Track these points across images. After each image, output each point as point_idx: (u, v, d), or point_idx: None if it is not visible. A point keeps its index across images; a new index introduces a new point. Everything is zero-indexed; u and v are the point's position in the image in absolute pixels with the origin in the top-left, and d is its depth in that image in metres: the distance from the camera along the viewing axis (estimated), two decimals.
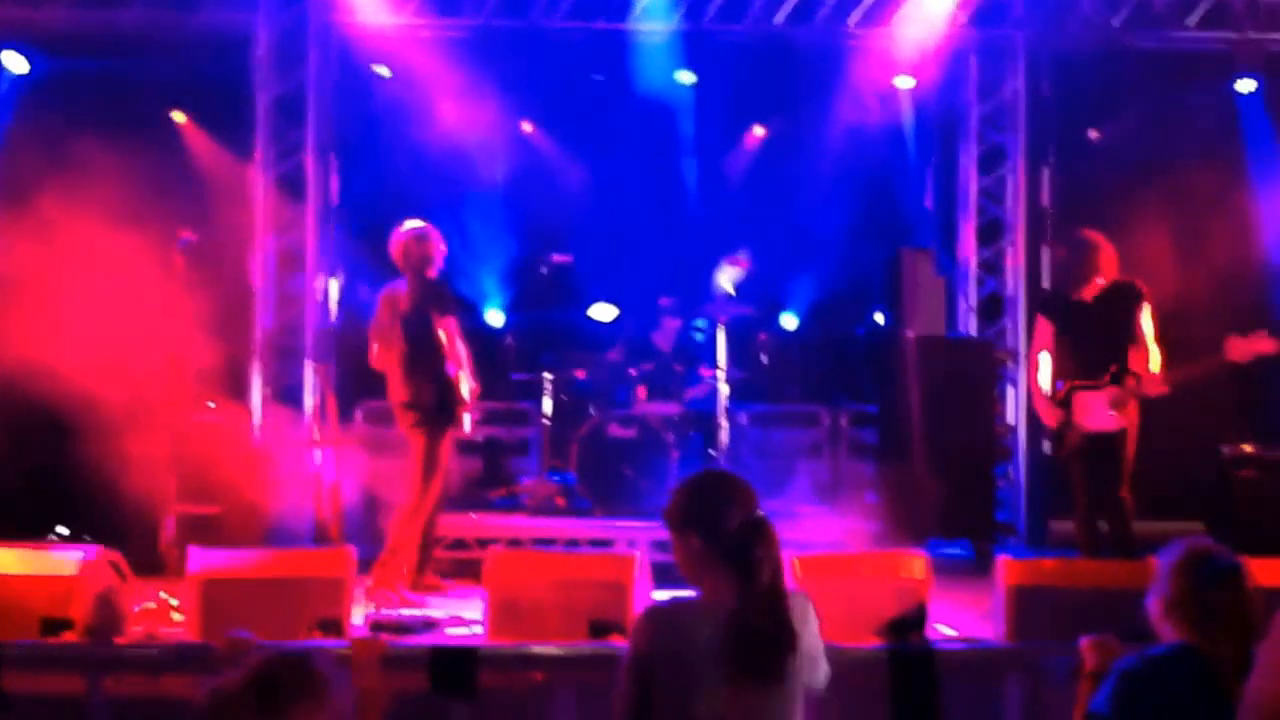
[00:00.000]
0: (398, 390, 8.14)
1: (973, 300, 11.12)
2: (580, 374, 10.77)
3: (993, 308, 11.11)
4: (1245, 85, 10.74)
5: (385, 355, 8.18)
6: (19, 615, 6.22)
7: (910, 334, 10.14)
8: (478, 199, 12.22)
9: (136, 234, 8.65)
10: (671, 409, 10.43)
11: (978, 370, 10.13)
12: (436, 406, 8.06)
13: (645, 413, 10.22)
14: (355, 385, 10.32)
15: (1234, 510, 9.37)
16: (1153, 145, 10.73)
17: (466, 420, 8.29)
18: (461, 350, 8.15)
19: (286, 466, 9.64)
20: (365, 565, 7.28)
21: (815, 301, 13.05)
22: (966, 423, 9.86)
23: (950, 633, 6.82)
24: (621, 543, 9.15)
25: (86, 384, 8.07)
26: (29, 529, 7.78)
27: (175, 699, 5.85)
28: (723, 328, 10.40)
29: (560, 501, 10.29)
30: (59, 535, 8.45)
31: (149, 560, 8.12)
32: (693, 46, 11.04)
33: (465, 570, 8.43)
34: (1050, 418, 7.98)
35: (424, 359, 8.07)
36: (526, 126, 12.82)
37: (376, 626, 6.69)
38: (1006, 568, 6.55)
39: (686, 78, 12.01)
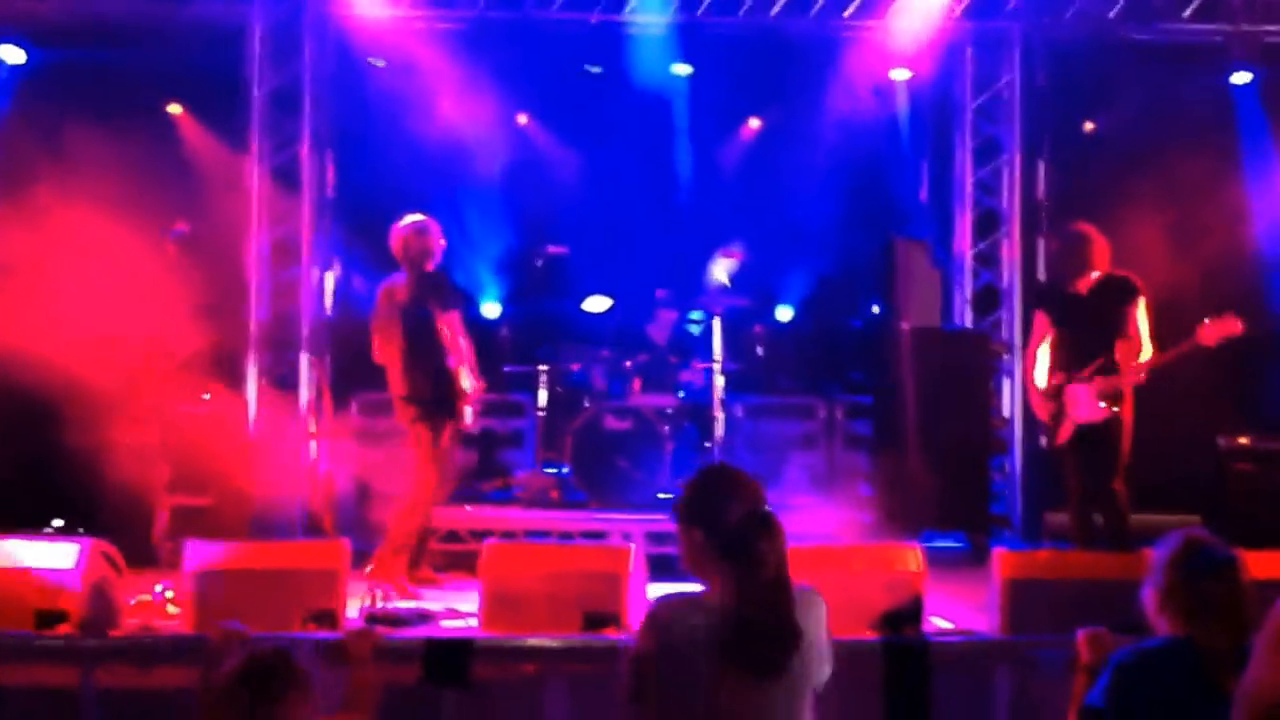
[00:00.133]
0: (397, 383, 8.14)
1: (968, 292, 11.11)
2: (575, 366, 10.77)
3: (988, 300, 11.10)
4: (1240, 77, 10.73)
5: (385, 348, 8.18)
6: (13, 608, 6.21)
7: (905, 326, 10.14)
8: (473, 191, 12.20)
9: (131, 225, 8.64)
10: (666, 401, 10.43)
11: (973, 362, 10.12)
12: (435, 400, 8.06)
13: (640, 405, 10.22)
14: (350, 377, 10.31)
15: (1230, 503, 9.38)
16: (1148, 137, 10.72)
17: (468, 413, 8.28)
18: (464, 345, 8.14)
19: (281, 458, 9.63)
20: (359, 557, 7.27)
21: (810, 293, 13.06)
22: (962, 415, 9.86)
23: (945, 625, 6.82)
24: (616, 535, 9.14)
25: (80, 374, 8.06)
26: (23, 521, 7.76)
27: (170, 691, 5.85)
28: (718, 319, 10.40)
29: (554, 494, 10.29)
30: (54, 528, 8.44)
31: (143, 552, 8.10)
32: (688, 38, 11.01)
33: (460, 563, 8.42)
34: (1043, 410, 7.99)
35: (423, 352, 8.07)
36: (522, 119, 12.82)
37: (371, 619, 6.68)
38: (1002, 560, 6.54)
39: (682, 70, 12.00)
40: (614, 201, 12.42)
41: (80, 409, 8.23)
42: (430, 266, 8.18)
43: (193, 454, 9.11)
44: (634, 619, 6.17)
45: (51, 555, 6.38)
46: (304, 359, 10.40)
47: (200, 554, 6.46)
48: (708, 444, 10.32)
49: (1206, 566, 3.67)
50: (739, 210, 12.36)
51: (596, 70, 11.92)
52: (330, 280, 10.85)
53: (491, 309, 12.87)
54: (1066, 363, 7.83)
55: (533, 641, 6.18)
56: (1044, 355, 8.01)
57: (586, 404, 10.40)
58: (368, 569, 7.75)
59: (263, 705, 3.53)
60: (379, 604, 6.89)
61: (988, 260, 11.13)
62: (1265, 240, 10.95)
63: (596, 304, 11.52)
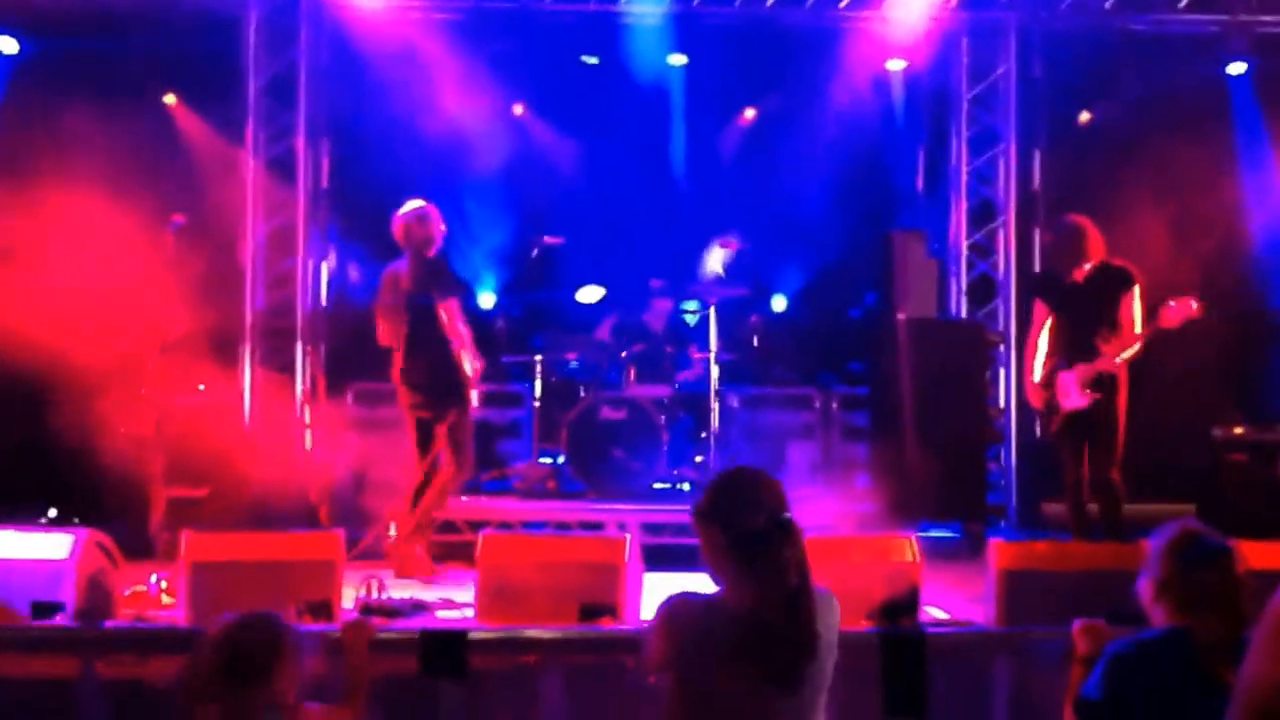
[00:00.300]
0: (399, 369, 8.19)
1: (964, 283, 11.12)
2: (571, 356, 10.77)
3: (984, 290, 11.11)
4: (1236, 67, 10.75)
5: (391, 332, 8.23)
6: (8, 599, 6.20)
7: (901, 316, 10.13)
8: (469, 181, 12.17)
9: (126, 213, 8.63)
10: (662, 391, 10.44)
11: (969, 353, 10.10)
12: (439, 386, 8.10)
13: (636, 395, 10.21)
14: (345, 367, 10.31)
15: (1225, 493, 9.38)
16: (1144, 127, 10.74)
17: (474, 396, 8.31)
18: (463, 330, 8.17)
19: (276, 448, 9.62)
20: (355, 547, 7.27)
21: (806, 283, 13.06)
22: (958, 405, 9.84)
23: (941, 615, 6.82)
24: (612, 525, 9.14)
25: (76, 363, 8.06)
26: (18, 511, 7.76)
27: (166, 681, 5.84)
28: (714, 310, 10.39)
29: (551, 485, 10.29)
30: (49, 518, 8.43)
31: (139, 543, 8.10)
32: (684, 29, 11.02)
33: (456, 553, 8.42)
34: (1036, 399, 7.98)
35: (425, 338, 8.12)
36: (518, 109, 12.80)
37: (366, 610, 6.68)
38: (998, 550, 6.53)
39: (678, 60, 11.99)
40: (610, 191, 12.41)
41: (76, 398, 8.22)
42: (431, 252, 8.21)
43: (189, 444, 9.11)
44: (630, 609, 6.18)
45: (47, 546, 6.37)
46: (300, 349, 10.40)
47: (194, 544, 6.46)
48: (704, 434, 10.31)
49: (1202, 557, 3.67)
50: (735, 200, 12.37)
51: (593, 61, 11.91)
52: (326, 270, 10.84)
53: (488, 299, 12.85)
54: (1061, 350, 7.82)
55: (529, 632, 6.17)
56: (1042, 344, 8.00)
57: (582, 394, 10.40)
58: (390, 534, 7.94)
59: (245, 690, 3.56)
60: (374, 595, 6.88)
61: (983, 250, 11.14)
62: (1260, 230, 10.97)
63: (589, 294, 11.51)
